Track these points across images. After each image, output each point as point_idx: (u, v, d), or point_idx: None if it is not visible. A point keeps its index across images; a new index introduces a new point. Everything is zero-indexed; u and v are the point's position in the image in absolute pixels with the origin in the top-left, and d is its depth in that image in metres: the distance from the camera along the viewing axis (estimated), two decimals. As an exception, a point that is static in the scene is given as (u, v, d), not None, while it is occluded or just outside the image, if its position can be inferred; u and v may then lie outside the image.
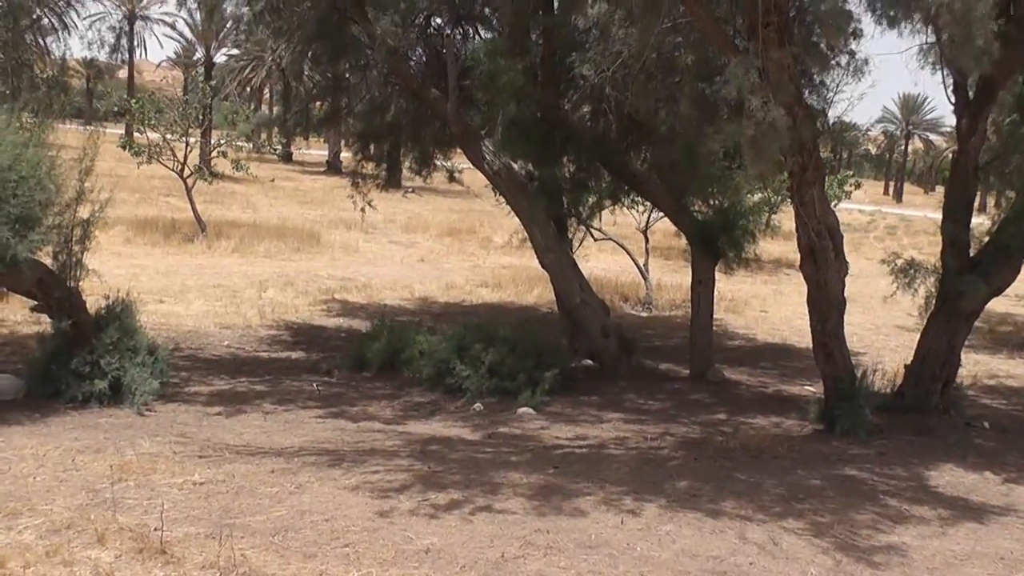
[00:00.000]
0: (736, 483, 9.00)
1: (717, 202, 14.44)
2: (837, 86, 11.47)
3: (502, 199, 16.72)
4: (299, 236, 28.40)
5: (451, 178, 17.38)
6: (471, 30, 14.86)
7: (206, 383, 12.85)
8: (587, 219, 17.09)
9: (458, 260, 27.53)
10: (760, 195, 15.20)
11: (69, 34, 16.97)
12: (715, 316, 22.06)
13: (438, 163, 17.03)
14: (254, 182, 37.78)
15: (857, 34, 10.91)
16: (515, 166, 14.24)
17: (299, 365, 14.38)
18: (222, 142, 29.26)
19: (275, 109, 53.01)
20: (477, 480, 8.46)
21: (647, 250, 23.35)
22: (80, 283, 11.70)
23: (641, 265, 22.52)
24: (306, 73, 16.59)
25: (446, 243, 30.65)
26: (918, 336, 12.93)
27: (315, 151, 62.04)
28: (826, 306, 11.53)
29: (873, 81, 12.49)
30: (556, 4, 13.21)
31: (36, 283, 11.34)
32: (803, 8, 10.24)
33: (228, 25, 65.47)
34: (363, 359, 13.97)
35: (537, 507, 7.75)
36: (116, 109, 28.43)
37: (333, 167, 55.75)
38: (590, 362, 14.59)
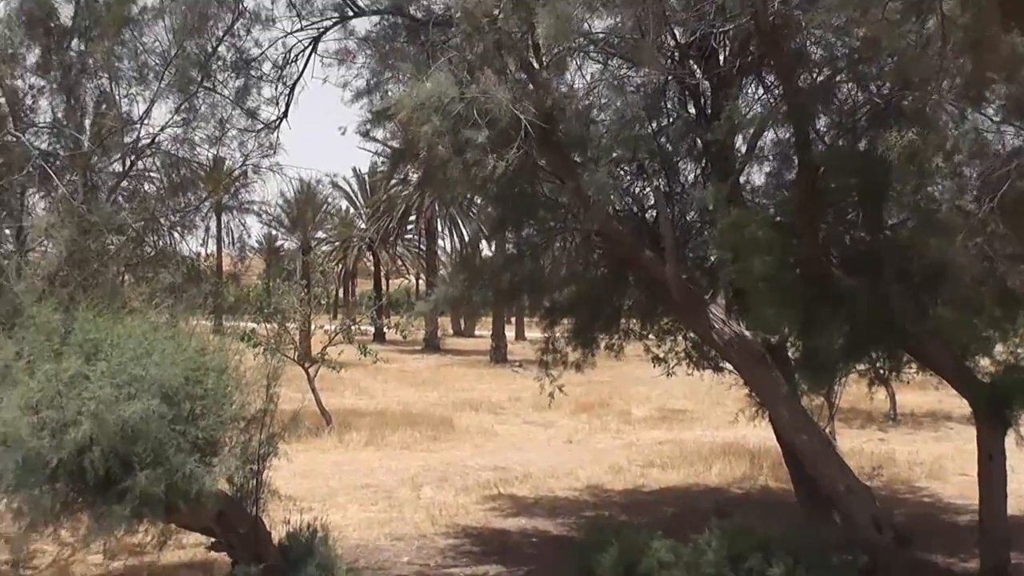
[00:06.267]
0: None
1: (1006, 358, 12.00)
2: None
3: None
4: (430, 422, 26.29)
5: (647, 350, 15.16)
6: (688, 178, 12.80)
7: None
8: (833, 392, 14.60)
9: (606, 438, 25.13)
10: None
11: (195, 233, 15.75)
12: (915, 484, 19.50)
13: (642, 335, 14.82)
14: (358, 365, 35.97)
15: None
16: (747, 334, 11.94)
17: (509, 586, 12.07)
18: (349, 323, 27.72)
19: (372, 295, 52.00)
20: None
21: (832, 415, 20.70)
22: (263, 511, 9.70)
23: (826, 432, 19.92)
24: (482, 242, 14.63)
25: (584, 420, 28.12)
26: None
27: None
28: None
29: None
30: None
31: (215, 517, 9.26)
32: None
33: (323, 209, 65.60)
34: (591, 574, 11.53)
35: None
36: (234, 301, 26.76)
37: (431, 345, 54.04)
38: (850, 558, 11.98)
